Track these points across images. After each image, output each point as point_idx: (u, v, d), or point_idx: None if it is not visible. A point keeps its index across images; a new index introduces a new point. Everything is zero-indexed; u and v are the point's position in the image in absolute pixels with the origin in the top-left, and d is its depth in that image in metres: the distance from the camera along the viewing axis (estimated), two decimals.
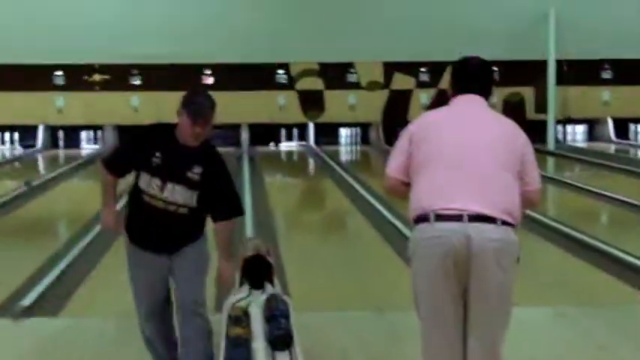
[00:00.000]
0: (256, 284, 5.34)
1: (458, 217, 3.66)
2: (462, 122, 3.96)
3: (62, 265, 7.87)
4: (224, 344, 4.19)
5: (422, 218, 3.74)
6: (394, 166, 3.97)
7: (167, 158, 4.48)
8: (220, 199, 4.56)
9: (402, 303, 6.59)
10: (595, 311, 6.37)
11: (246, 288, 5.36)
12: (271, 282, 5.53)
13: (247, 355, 4.07)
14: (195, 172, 4.45)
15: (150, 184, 4.50)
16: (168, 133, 4.52)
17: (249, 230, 9.53)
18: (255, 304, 4.97)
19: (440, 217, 3.68)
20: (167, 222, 4.54)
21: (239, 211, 4.67)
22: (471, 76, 4.15)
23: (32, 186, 10.80)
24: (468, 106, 4.05)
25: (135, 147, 4.66)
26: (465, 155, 3.80)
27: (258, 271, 5.46)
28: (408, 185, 3.93)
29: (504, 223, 3.78)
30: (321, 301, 6.73)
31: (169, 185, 4.47)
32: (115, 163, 4.72)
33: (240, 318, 4.58)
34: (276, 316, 4.61)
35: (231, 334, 4.38)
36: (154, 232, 4.60)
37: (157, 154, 4.47)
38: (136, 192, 4.60)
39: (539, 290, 7.20)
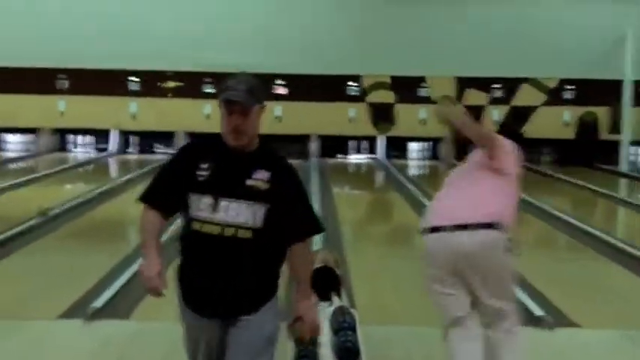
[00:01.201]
0: (324, 296, 5.38)
1: None
2: None
3: (133, 269, 7.98)
4: (292, 355, 4.21)
5: None
6: None
7: (217, 168, 3.55)
8: (294, 214, 3.56)
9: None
10: None
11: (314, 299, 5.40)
12: (338, 294, 5.56)
13: None
14: (260, 179, 3.52)
15: (199, 206, 3.53)
16: (217, 140, 3.61)
17: (317, 242, 9.58)
18: (323, 315, 5.00)
19: None
20: (225, 256, 3.50)
21: (318, 228, 3.66)
22: None
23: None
24: None
25: (176, 165, 3.66)
26: None
27: (325, 282, 5.49)
28: None
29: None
30: (387, 314, 6.73)
31: (224, 202, 3.50)
32: (155, 194, 3.66)
33: None
34: (344, 328, 4.63)
35: (299, 344, 4.40)
36: (209, 277, 3.53)
37: (203, 165, 3.55)
38: (185, 228, 3.61)
39: (606, 313, 7.12)
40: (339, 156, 20.71)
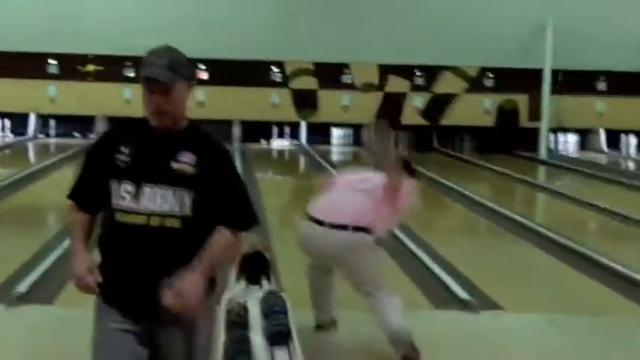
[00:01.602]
0: (253, 280, 5.36)
1: None
2: None
3: (57, 253, 7.84)
4: (223, 339, 4.19)
5: None
6: None
7: (139, 151, 3.15)
8: (224, 202, 3.16)
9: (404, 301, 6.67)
10: (586, 319, 6.41)
11: (243, 283, 5.38)
12: (268, 278, 5.55)
13: (247, 350, 4.06)
14: (185, 161, 3.13)
15: (120, 194, 3.12)
16: (140, 122, 3.22)
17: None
18: (253, 300, 4.97)
19: None
20: (152, 248, 3.11)
21: (251, 220, 3.27)
22: None
23: None
24: None
25: (96, 154, 3.26)
26: None
27: (255, 267, 5.47)
28: None
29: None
30: None
31: (147, 189, 3.10)
32: (78, 190, 3.28)
33: (239, 313, 4.58)
34: (275, 312, 4.61)
35: (230, 329, 4.38)
36: (134, 273, 3.13)
37: (124, 149, 3.15)
38: (107, 219, 3.20)
39: (529, 297, 7.25)
40: (262, 141, 20.66)
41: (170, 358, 3.19)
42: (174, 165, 3.11)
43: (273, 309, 4.67)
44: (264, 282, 5.42)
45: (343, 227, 5.33)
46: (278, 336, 4.37)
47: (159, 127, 3.16)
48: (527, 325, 6.29)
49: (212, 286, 3.24)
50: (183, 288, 3.01)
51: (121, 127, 3.31)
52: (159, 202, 3.08)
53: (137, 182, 3.10)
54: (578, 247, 8.99)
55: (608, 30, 18.95)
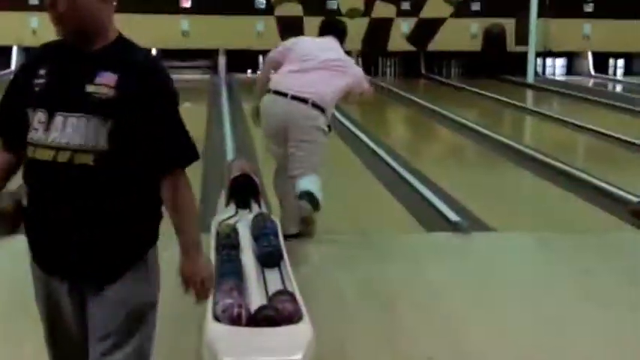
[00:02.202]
0: (243, 203, 5.34)
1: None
2: None
3: None
4: (215, 260, 4.16)
5: None
6: None
7: (54, 73, 2.60)
8: (153, 134, 2.57)
9: (387, 227, 6.68)
10: (575, 237, 6.44)
11: (232, 207, 5.36)
12: (258, 202, 5.53)
13: (239, 271, 4.04)
14: (102, 83, 2.53)
15: (34, 124, 2.58)
16: (60, 42, 2.65)
17: (229, 152, 9.52)
18: (243, 222, 4.96)
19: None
20: (61, 191, 2.56)
21: (189, 154, 2.63)
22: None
23: None
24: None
25: (16, 79, 2.73)
26: None
27: (244, 190, 5.45)
28: None
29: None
30: None
31: (59, 117, 2.54)
32: None
33: (230, 235, 4.55)
34: (266, 234, 4.60)
35: (221, 250, 4.36)
36: (47, 220, 2.60)
37: (41, 71, 2.60)
38: (24, 156, 2.65)
39: (519, 218, 7.27)
40: (248, 71, 20.47)
41: (93, 329, 2.62)
42: (90, 88, 2.52)
43: (264, 231, 4.65)
44: (254, 205, 5.40)
45: (304, 100, 5.87)
46: (269, 257, 4.36)
47: (77, 45, 2.60)
48: (518, 245, 6.33)
49: (143, 236, 2.68)
50: (189, 280, 2.67)
51: (45, 46, 2.71)
52: (69, 133, 2.51)
53: (50, 110, 2.54)
54: (566, 167, 9.02)
55: None
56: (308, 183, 5.80)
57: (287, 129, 5.90)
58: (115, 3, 2.65)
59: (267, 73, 6.43)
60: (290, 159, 5.93)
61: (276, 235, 4.65)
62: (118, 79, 2.52)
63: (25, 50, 18.35)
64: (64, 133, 2.51)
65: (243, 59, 20.22)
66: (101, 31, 2.60)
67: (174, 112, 2.62)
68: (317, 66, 6.05)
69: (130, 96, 2.52)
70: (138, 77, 2.55)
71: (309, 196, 5.73)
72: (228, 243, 4.41)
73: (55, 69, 2.60)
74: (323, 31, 6.44)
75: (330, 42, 6.29)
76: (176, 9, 19.60)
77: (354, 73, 6.30)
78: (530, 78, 19.07)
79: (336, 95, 6.12)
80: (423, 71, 20.75)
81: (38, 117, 2.56)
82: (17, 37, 19.05)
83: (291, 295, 3.64)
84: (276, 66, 6.26)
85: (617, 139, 11.11)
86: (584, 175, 8.58)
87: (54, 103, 2.54)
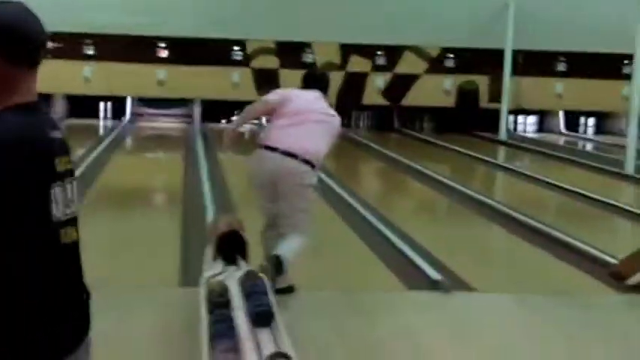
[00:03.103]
0: (231, 260, 5.38)
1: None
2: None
3: None
4: (207, 319, 4.18)
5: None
6: None
7: None
8: None
9: (369, 283, 6.72)
10: (554, 298, 6.50)
11: (220, 263, 5.39)
12: (244, 258, 5.56)
13: (231, 330, 4.07)
14: None
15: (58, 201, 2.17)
16: None
17: (208, 203, 9.53)
18: (232, 279, 4.99)
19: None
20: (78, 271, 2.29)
21: None
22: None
23: None
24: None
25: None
26: None
27: (232, 247, 5.48)
28: None
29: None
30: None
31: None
32: None
33: (221, 293, 4.58)
34: (256, 292, 4.62)
35: (212, 309, 4.38)
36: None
37: None
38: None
39: (496, 275, 7.35)
40: (223, 121, 20.56)
41: None
42: None
43: (254, 289, 4.67)
44: (241, 262, 5.43)
45: (293, 156, 5.91)
46: (261, 316, 4.38)
47: None
48: (499, 306, 6.37)
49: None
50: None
51: None
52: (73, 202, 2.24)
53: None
54: (538, 225, 9.11)
55: (567, 10, 19.09)
56: (285, 246, 5.86)
57: (276, 184, 5.94)
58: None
59: (260, 113, 6.61)
60: (279, 215, 5.99)
61: (266, 294, 4.68)
62: None
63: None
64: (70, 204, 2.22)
65: (218, 109, 20.35)
66: None
67: None
68: (307, 121, 6.09)
69: None
70: None
71: (275, 259, 5.78)
72: (220, 302, 4.44)
73: None
74: (307, 84, 6.44)
75: (317, 96, 6.33)
76: (153, 58, 19.73)
77: (337, 125, 6.34)
78: (502, 135, 19.31)
79: (325, 150, 6.17)
80: (397, 125, 20.94)
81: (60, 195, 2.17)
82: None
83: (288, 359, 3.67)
84: (270, 112, 6.27)
85: (588, 197, 11.27)
86: (556, 233, 8.67)
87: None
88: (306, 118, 6.10)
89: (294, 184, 5.93)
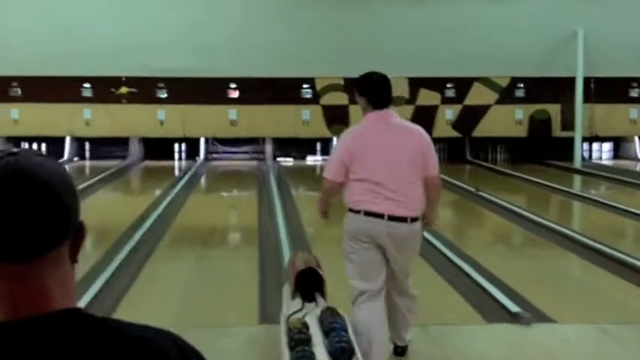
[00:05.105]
0: (309, 297, 5.43)
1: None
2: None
3: (105, 276, 7.94)
4: (288, 356, 4.24)
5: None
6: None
7: None
8: None
9: (446, 316, 6.71)
10: (636, 327, 6.42)
11: (299, 300, 5.44)
12: (322, 295, 5.61)
13: None
14: None
15: None
16: None
17: (284, 241, 9.61)
18: (311, 316, 5.04)
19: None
20: None
21: None
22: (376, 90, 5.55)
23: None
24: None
25: None
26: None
27: (310, 284, 5.54)
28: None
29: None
30: None
31: None
32: None
33: (302, 330, 4.63)
34: (336, 329, 4.66)
35: (293, 346, 4.44)
36: None
37: None
38: None
39: (576, 306, 7.27)
40: (294, 158, 20.76)
41: None
42: None
43: (333, 325, 4.72)
44: (319, 299, 5.48)
45: (402, 219, 5.23)
46: (342, 353, 4.42)
47: None
48: (581, 337, 6.30)
49: None
50: None
51: None
52: None
53: None
54: (616, 253, 9.01)
55: (636, 35, 18.90)
56: (405, 330, 5.68)
57: (387, 248, 5.29)
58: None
59: (339, 181, 5.43)
60: (393, 274, 5.45)
61: (345, 330, 4.72)
62: None
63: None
64: None
65: (289, 145, 20.59)
66: None
67: None
68: (393, 163, 5.29)
69: None
70: None
71: (400, 350, 5.69)
72: (302, 338, 4.49)
73: None
74: (377, 98, 5.54)
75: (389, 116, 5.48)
76: (224, 99, 20.07)
77: (432, 156, 5.51)
78: (577, 163, 19.08)
79: (422, 189, 5.41)
80: (469, 157, 20.87)
81: None
82: (70, 128, 19.81)
83: None
84: (345, 172, 5.35)
85: None
86: (634, 261, 8.57)
87: None
88: (387, 160, 5.30)
89: (408, 245, 5.41)
